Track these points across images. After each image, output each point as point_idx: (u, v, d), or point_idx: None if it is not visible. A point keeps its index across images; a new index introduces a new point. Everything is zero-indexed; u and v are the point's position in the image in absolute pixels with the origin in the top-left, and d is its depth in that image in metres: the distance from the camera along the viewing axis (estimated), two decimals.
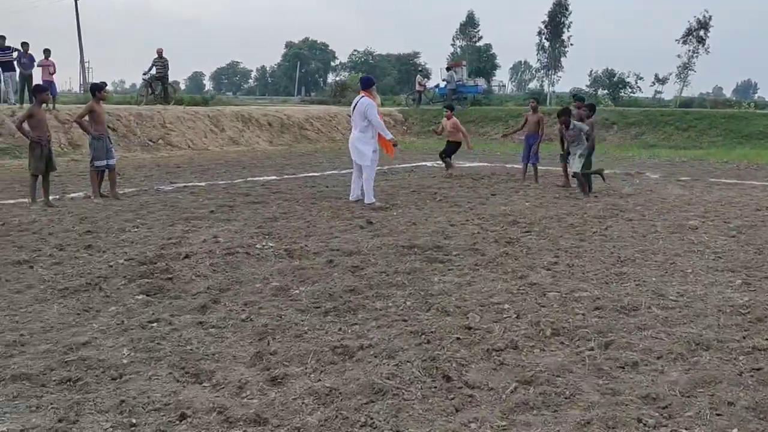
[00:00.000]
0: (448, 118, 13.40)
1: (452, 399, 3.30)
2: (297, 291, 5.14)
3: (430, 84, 37.35)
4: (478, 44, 68.96)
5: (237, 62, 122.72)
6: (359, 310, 4.70)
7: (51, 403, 3.21)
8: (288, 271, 5.68)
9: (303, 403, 3.27)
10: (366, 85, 9.78)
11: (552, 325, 4.35)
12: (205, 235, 7.04)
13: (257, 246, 6.55)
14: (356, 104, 9.56)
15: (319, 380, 3.53)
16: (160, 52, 21.70)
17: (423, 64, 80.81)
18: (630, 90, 45.06)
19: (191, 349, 3.93)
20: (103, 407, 3.19)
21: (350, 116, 10.24)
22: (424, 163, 16.00)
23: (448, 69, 32.76)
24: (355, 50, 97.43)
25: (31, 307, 4.75)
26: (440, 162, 13.99)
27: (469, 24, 70.02)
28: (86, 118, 9.79)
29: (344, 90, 36.28)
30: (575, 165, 10.61)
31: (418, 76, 35.40)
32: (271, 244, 6.64)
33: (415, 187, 11.40)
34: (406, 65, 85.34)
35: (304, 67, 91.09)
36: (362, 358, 3.82)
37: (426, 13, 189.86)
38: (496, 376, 3.58)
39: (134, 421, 3.06)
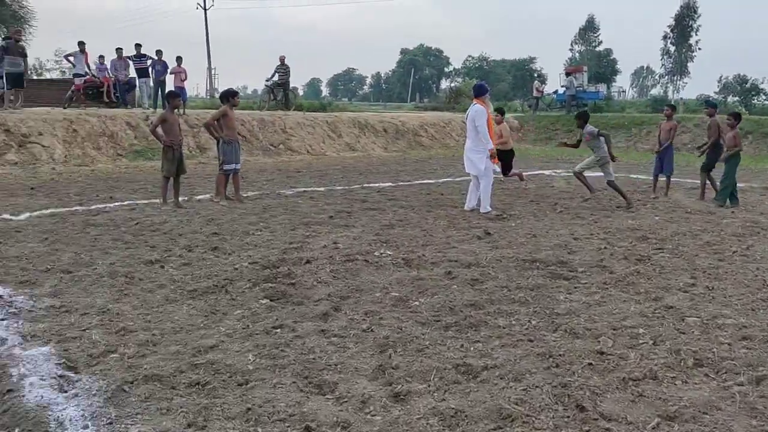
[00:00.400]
0: (498, 123, 11.85)
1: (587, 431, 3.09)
2: (416, 302, 5.05)
3: (548, 89, 36.42)
4: (597, 49, 66.77)
5: (353, 69, 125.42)
6: (481, 326, 4.54)
7: (181, 407, 3.28)
8: (407, 281, 5.61)
9: (428, 423, 3.16)
10: (479, 92, 9.58)
11: (694, 354, 4.00)
12: (325, 241, 7.11)
13: (376, 254, 6.53)
14: (469, 112, 9.41)
15: (444, 400, 3.42)
16: (282, 59, 22.42)
17: (539, 69, 79.10)
18: (765, 97, 41.97)
19: (314, 358, 3.92)
20: (230, 414, 3.23)
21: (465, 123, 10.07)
22: (541, 172, 15.55)
23: (567, 74, 31.77)
24: (469, 56, 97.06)
25: (162, 307, 4.94)
26: (561, 172, 13.48)
27: (589, 28, 68.03)
28: (217, 122, 10.19)
29: (458, 96, 36.04)
30: (579, 165, 10.49)
31: (536, 81, 34.59)
32: (389, 252, 6.60)
33: (533, 197, 11.06)
34: (522, 71, 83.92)
35: (418, 74, 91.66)
36: (487, 379, 3.66)
37: (542, 17, 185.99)
38: (634, 408, 3.32)
39: (260, 430, 3.07)
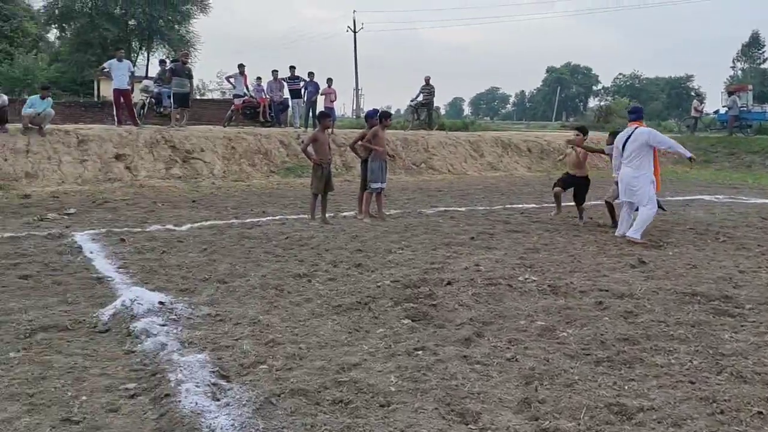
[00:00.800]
0: (579, 145, 11.09)
1: None
2: (564, 333, 4.81)
3: (706, 109, 34.06)
4: (762, 66, 61.76)
5: (496, 88, 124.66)
6: (636, 363, 4.23)
7: (324, 424, 3.30)
8: (553, 309, 5.37)
9: None
10: (638, 115, 9.09)
11: None
12: (467, 263, 7.01)
13: (520, 278, 6.33)
14: (630, 136, 8.83)
15: None
16: (427, 80, 22.65)
17: (696, 87, 74.41)
18: None
19: (456, 385, 3.82)
20: None
21: (614, 151, 9.43)
22: (700, 197, 14.48)
23: (730, 93, 29.52)
24: (620, 74, 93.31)
25: (308, 321, 5.06)
26: (718, 196, 12.45)
27: (753, 45, 63.16)
28: (369, 142, 10.44)
29: (608, 115, 34.64)
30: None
31: (695, 101, 32.44)
32: (534, 278, 6.37)
33: (692, 224, 10.30)
34: (677, 89, 79.43)
35: (564, 92, 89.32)
36: (643, 422, 3.39)
37: (701, 34, 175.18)
38: None
39: None
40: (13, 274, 6.38)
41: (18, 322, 4.90)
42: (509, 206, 12.34)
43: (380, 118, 10.54)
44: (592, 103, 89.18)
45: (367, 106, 53.36)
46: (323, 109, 18.52)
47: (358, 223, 9.74)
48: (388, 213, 10.70)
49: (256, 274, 6.45)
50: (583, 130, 11.67)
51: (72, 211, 10.60)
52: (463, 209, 11.72)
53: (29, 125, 14.29)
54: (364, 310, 5.35)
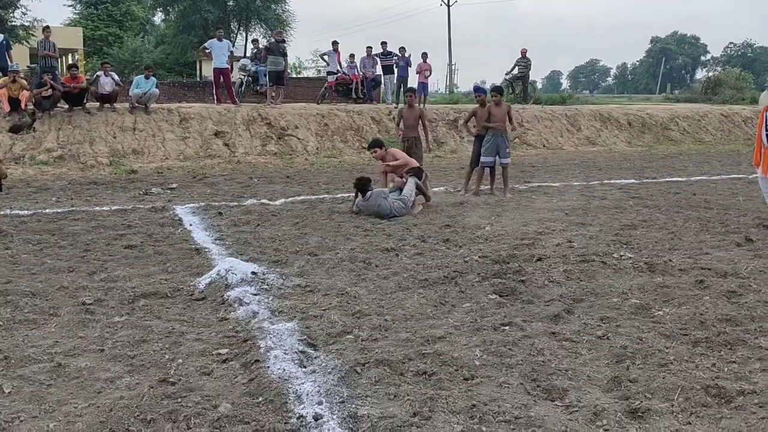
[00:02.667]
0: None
1: None
2: (660, 312, 4.59)
3: None
4: None
5: (596, 60, 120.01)
6: (738, 345, 3.99)
7: (407, 394, 3.31)
8: (649, 287, 5.14)
9: None
10: None
11: None
12: (559, 239, 6.82)
13: (614, 255, 6.09)
14: None
15: (689, 423, 3.05)
16: (524, 53, 22.08)
17: None
18: None
19: (543, 361, 3.74)
20: (455, 408, 3.19)
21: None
22: None
23: None
24: (730, 43, 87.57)
25: (394, 294, 5.09)
26: None
27: None
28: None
29: (717, 86, 32.62)
30: None
31: None
32: (629, 255, 6.12)
33: None
34: None
35: (669, 63, 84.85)
36: (743, 406, 3.20)
37: None
38: None
39: (484, 429, 2.99)
40: (119, 244, 6.77)
41: (122, 289, 5.20)
42: (606, 182, 11.89)
43: (492, 92, 10.44)
44: (700, 74, 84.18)
45: (461, 82, 52.69)
46: (416, 85, 18.57)
47: (449, 198, 9.68)
48: (480, 188, 10.52)
49: (345, 247, 6.54)
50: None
51: (174, 185, 11.12)
52: (557, 185, 11.40)
53: (136, 104, 15.04)
54: (450, 284, 5.32)
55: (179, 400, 3.25)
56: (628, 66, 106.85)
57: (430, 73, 20.06)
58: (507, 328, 4.30)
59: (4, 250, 6.44)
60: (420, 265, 5.91)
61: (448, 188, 11.11)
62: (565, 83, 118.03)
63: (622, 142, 20.13)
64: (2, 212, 7.28)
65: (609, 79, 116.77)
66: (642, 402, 3.23)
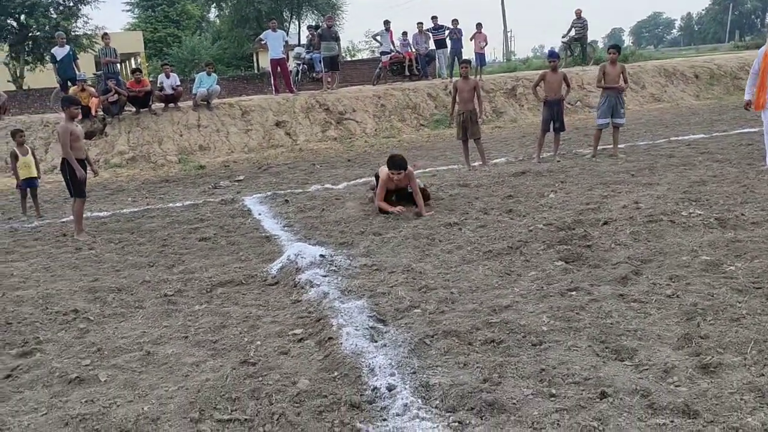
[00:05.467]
0: None
1: None
2: (732, 267, 4.51)
3: None
4: None
5: (659, 13, 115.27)
6: None
7: (476, 362, 3.40)
8: (720, 243, 5.03)
9: (741, 399, 2.83)
10: None
11: None
12: (625, 201, 6.72)
13: (683, 213, 5.97)
14: None
15: (762, 375, 3.03)
16: (578, 13, 21.52)
17: None
18: None
19: (611, 323, 3.75)
20: (524, 373, 3.26)
21: None
22: None
23: None
24: None
25: (459, 267, 5.16)
26: None
27: None
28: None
29: None
30: None
31: None
32: (699, 212, 5.98)
33: None
34: None
35: (738, 9, 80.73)
36: None
37: None
38: None
39: (554, 391, 3.05)
40: (194, 237, 7.08)
41: (200, 279, 5.47)
42: (674, 139, 11.56)
43: (609, 50, 10.52)
44: None
45: (518, 49, 51.57)
46: (473, 56, 18.43)
47: (510, 168, 9.63)
48: (542, 156, 10.42)
49: (408, 225, 6.63)
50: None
51: (241, 177, 11.46)
52: (622, 146, 11.14)
53: (200, 102, 15.49)
54: (515, 254, 5.34)
55: (260, 378, 3.44)
56: (694, 16, 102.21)
57: (486, 43, 19.81)
58: (574, 293, 4.32)
59: (89, 250, 6.84)
60: (484, 237, 5.95)
61: (509, 158, 11.05)
62: (627, 40, 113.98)
63: (689, 96, 19.42)
64: (84, 215, 7.73)
65: (674, 31, 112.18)
66: (714, 357, 3.21)
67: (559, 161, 9.97)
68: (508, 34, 49.56)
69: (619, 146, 10.36)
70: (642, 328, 3.66)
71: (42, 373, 3.79)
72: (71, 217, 7.98)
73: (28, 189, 9.31)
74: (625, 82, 10.32)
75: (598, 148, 10.34)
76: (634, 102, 18.62)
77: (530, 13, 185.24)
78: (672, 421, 2.71)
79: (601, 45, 35.26)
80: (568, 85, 10.45)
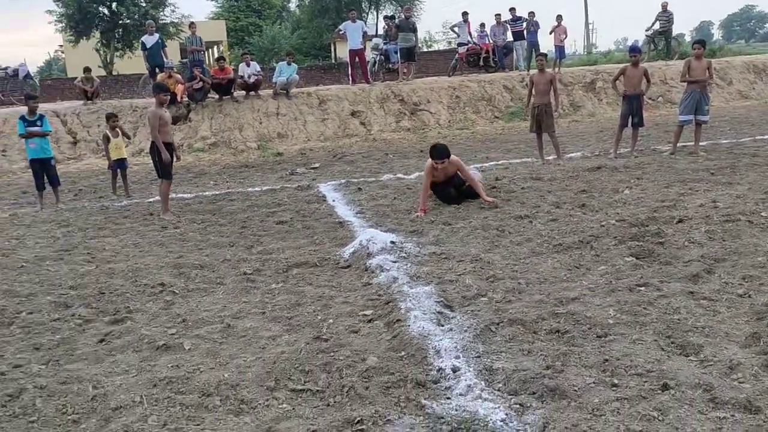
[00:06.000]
0: None
1: None
2: None
3: None
4: None
5: (752, 6, 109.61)
6: None
7: (540, 350, 3.49)
8: None
9: None
10: None
11: None
12: (702, 199, 6.59)
13: (762, 214, 5.82)
14: None
15: None
16: (664, 6, 20.85)
17: None
18: None
19: (679, 319, 3.76)
20: (588, 362, 3.33)
21: None
22: None
23: None
24: None
25: (528, 259, 5.22)
26: None
27: None
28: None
29: None
30: None
31: None
32: None
33: None
34: None
35: None
36: None
37: None
38: None
39: (616, 381, 3.11)
40: (271, 220, 7.40)
41: (277, 260, 5.74)
42: (759, 138, 11.15)
43: (694, 45, 10.29)
44: None
45: (600, 42, 50.25)
46: (551, 48, 18.20)
47: (585, 163, 9.53)
48: (619, 152, 10.25)
49: (477, 216, 6.72)
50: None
51: (317, 165, 11.79)
52: (703, 143, 10.82)
53: (279, 91, 15.94)
54: (585, 248, 5.36)
55: (332, 354, 3.64)
56: None
57: (566, 36, 19.50)
58: (643, 288, 4.33)
59: (174, 229, 7.25)
60: (554, 230, 5.97)
61: (584, 153, 10.93)
62: (716, 34, 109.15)
63: None
64: (170, 196, 8.18)
65: (767, 26, 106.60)
66: None
67: (636, 157, 9.80)
68: (590, 26, 48.38)
69: (700, 144, 10.08)
70: (710, 325, 3.65)
71: (132, 339, 4.12)
72: (158, 198, 8.45)
73: (119, 170, 9.88)
74: (711, 77, 10.02)
75: (679, 145, 10.11)
76: (719, 99, 17.96)
77: (614, 4, 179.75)
78: (733, 416, 2.74)
79: (688, 39, 34.04)
80: (648, 81, 10.25)
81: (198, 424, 3.03)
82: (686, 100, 9.91)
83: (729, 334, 3.54)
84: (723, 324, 3.67)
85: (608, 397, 2.97)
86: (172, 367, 3.64)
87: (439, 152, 7.14)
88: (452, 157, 7.22)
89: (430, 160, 7.23)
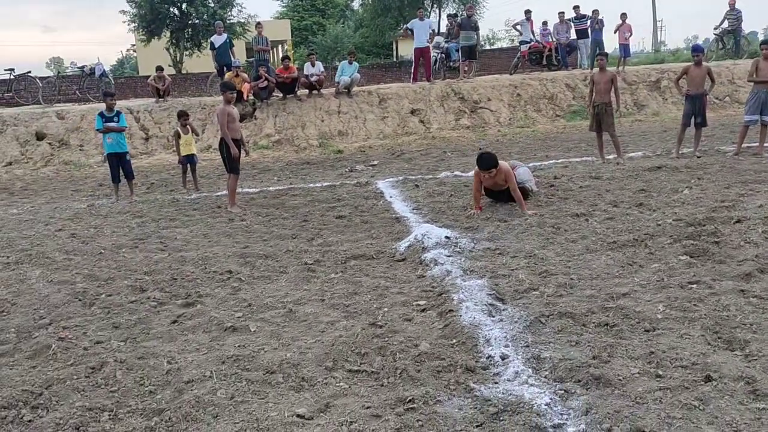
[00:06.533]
0: None
1: None
2: None
3: None
4: None
5: None
6: None
7: (588, 342, 3.62)
8: None
9: None
10: None
11: None
12: (763, 200, 6.51)
13: None
14: None
15: None
16: (732, 4, 20.23)
17: None
18: None
19: (727, 316, 3.82)
20: (634, 354, 3.44)
21: None
22: None
23: None
24: None
25: (581, 256, 5.31)
26: None
27: None
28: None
29: None
30: None
31: None
32: None
33: None
34: None
35: None
36: None
37: None
38: None
39: (660, 372, 3.21)
40: (331, 215, 7.67)
41: (336, 252, 5.99)
42: None
43: (762, 45, 10.09)
44: None
45: (669, 39, 48.94)
46: (617, 46, 17.93)
47: (645, 163, 9.46)
48: (681, 152, 10.12)
49: (534, 213, 6.81)
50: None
51: (375, 162, 12.03)
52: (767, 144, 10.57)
53: (341, 90, 16.26)
54: (640, 246, 5.41)
55: (386, 339, 3.85)
56: None
57: (631, 34, 19.16)
58: (694, 286, 4.38)
59: (240, 221, 7.61)
60: (610, 229, 6.02)
61: (646, 152, 10.82)
62: None
63: None
64: (237, 190, 8.56)
65: None
66: None
67: (699, 157, 9.66)
68: (659, 24, 47.16)
69: (765, 145, 9.85)
70: (758, 322, 3.70)
71: (202, 321, 4.43)
72: (225, 191, 8.85)
73: (188, 164, 10.35)
74: None
75: (744, 146, 9.91)
76: None
77: (685, 1, 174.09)
78: None
79: (761, 37, 32.77)
80: (712, 80, 10.07)
81: (262, 398, 3.29)
82: (752, 101, 9.73)
83: None
84: None
85: (651, 386, 3.08)
86: (238, 346, 3.93)
87: (486, 162, 6.83)
88: (501, 164, 6.91)
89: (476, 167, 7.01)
